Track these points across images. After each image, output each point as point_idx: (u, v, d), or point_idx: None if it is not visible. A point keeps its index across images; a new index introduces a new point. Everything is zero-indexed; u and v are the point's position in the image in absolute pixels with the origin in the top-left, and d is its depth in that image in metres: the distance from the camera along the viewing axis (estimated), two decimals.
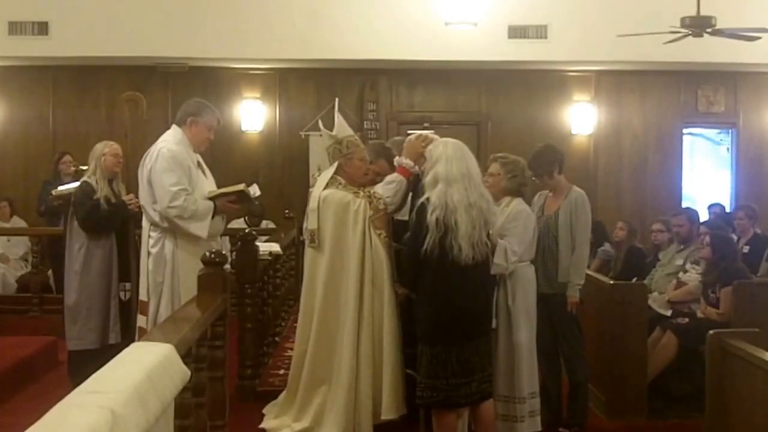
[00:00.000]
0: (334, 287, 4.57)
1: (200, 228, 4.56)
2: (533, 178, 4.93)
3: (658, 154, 10.37)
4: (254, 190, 4.82)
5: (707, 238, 5.97)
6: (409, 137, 4.86)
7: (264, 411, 4.94)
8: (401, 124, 10.18)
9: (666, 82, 10.31)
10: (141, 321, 4.65)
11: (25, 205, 9.40)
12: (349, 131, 4.87)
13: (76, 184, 5.85)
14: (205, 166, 4.83)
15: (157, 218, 4.58)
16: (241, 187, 4.77)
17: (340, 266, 4.57)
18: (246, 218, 9.21)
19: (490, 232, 4.22)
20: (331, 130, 4.85)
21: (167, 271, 4.58)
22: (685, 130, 10.52)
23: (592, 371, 5.20)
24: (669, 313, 6.05)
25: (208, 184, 4.79)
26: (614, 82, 10.30)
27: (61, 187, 6.46)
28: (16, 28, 9.20)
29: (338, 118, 4.97)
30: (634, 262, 7.27)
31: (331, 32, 9.29)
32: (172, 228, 4.57)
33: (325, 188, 4.64)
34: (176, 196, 4.49)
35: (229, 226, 7.72)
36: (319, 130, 4.97)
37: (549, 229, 4.91)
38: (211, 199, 4.66)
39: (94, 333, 5.50)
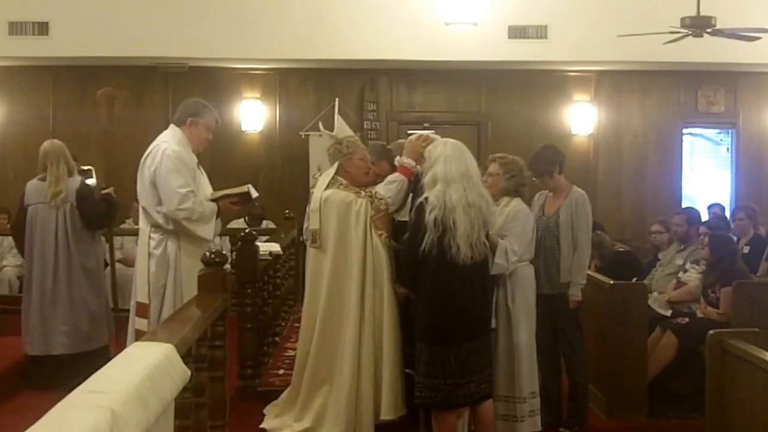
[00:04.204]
0: (337, 288, 4.57)
1: (207, 230, 4.54)
2: (534, 179, 4.93)
3: (658, 154, 10.36)
4: (252, 192, 4.81)
5: (706, 239, 5.97)
6: (410, 137, 4.87)
7: (265, 411, 4.94)
8: (401, 124, 10.18)
9: (666, 82, 10.31)
10: (140, 324, 4.60)
11: None
12: (349, 131, 4.88)
13: (91, 181, 6.19)
14: (201, 167, 4.80)
15: (161, 220, 4.53)
16: (245, 188, 4.76)
17: (343, 267, 4.57)
18: (246, 218, 9.22)
19: (490, 232, 4.22)
20: (331, 131, 4.85)
21: (170, 273, 4.54)
22: (685, 130, 10.51)
23: (592, 371, 5.20)
24: (669, 313, 6.04)
25: (207, 186, 4.78)
26: (614, 82, 10.29)
27: None
28: (16, 28, 9.19)
29: (338, 118, 4.98)
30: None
31: (331, 32, 9.29)
32: (177, 229, 4.53)
33: (326, 189, 4.64)
34: (185, 199, 4.45)
35: (229, 226, 7.77)
36: (320, 130, 4.98)
37: (550, 230, 4.91)
38: (214, 200, 4.65)
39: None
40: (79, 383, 2.09)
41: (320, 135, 4.96)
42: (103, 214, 5.84)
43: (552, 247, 4.89)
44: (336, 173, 4.70)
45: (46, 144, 5.95)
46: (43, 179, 5.82)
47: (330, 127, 4.97)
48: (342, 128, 4.85)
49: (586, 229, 4.95)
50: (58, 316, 5.69)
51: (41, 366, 5.75)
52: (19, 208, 6.02)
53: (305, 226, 4.84)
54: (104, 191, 5.92)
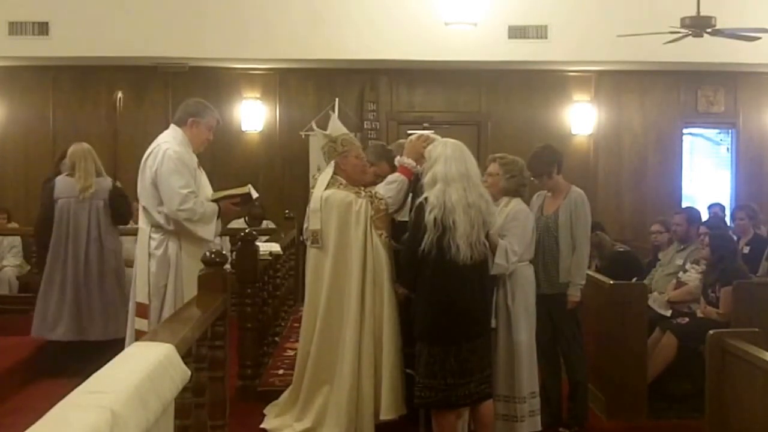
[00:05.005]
0: (337, 288, 4.57)
1: (208, 231, 4.54)
2: (532, 179, 4.93)
3: (658, 154, 10.37)
4: (253, 192, 4.81)
5: (706, 239, 5.96)
6: (410, 137, 4.87)
7: (265, 411, 4.95)
8: (401, 124, 10.18)
9: (666, 82, 10.31)
10: (140, 324, 4.59)
11: (25, 205, 9.40)
12: (343, 129, 4.88)
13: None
14: (201, 168, 4.79)
15: (162, 220, 4.52)
16: (246, 189, 4.75)
17: (344, 267, 4.56)
18: (246, 218, 9.22)
19: (490, 232, 4.22)
20: (326, 130, 4.85)
21: (171, 274, 4.53)
22: (685, 130, 10.51)
23: (592, 371, 5.20)
24: (669, 313, 6.04)
25: (207, 186, 4.77)
26: (614, 82, 10.29)
27: None
28: (16, 28, 9.20)
29: (332, 117, 4.99)
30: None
31: (331, 32, 9.29)
32: (178, 230, 4.52)
33: (326, 189, 4.64)
34: (186, 199, 4.44)
35: (229, 226, 7.77)
36: (320, 129, 4.97)
37: (549, 230, 4.91)
38: (215, 200, 4.65)
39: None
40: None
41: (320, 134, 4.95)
42: (127, 210, 6.41)
43: (551, 247, 4.89)
44: (334, 173, 4.69)
45: (74, 145, 6.35)
46: (71, 176, 6.19)
47: (327, 127, 4.96)
48: (336, 127, 4.85)
49: (584, 229, 4.95)
50: (93, 306, 6.05)
51: (71, 352, 5.94)
52: (45, 203, 6.28)
53: (305, 226, 4.83)
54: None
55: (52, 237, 6.11)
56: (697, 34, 7.59)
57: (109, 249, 6.16)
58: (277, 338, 6.88)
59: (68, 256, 6.07)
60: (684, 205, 9.61)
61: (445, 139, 4.34)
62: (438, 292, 4.03)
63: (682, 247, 6.60)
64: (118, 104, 6.37)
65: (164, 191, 4.48)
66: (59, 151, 8.76)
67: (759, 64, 9.50)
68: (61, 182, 6.23)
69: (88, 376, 2.14)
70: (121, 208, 6.27)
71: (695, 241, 6.41)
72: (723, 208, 9.21)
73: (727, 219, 8.60)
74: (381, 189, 4.61)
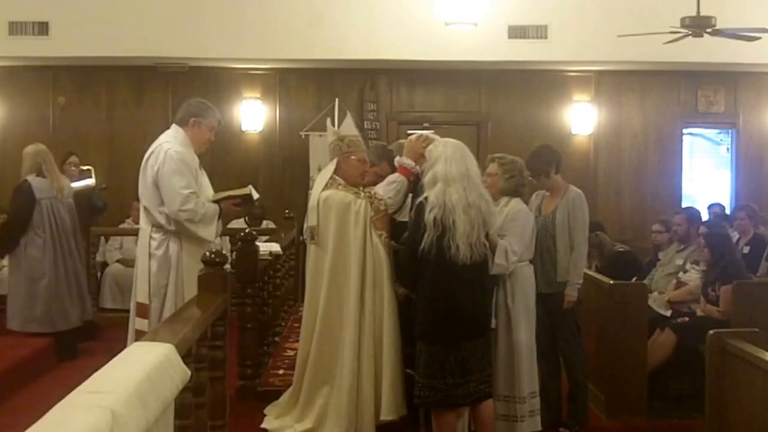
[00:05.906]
0: (336, 288, 4.57)
1: (208, 231, 4.54)
2: (530, 178, 4.93)
3: (658, 154, 10.36)
4: (253, 193, 4.81)
5: (702, 240, 5.97)
6: (410, 137, 4.87)
7: (265, 411, 4.95)
8: (401, 124, 10.17)
9: (666, 82, 10.30)
10: (140, 324, 4.59)
11: None
12: (354, 131, 4.90)
13: (90, 181, 7.24)
14: (202, 168, 4.79)
15: (163, 220, 4.52)
16: (247, 190, 4.75)
17: (343, 267, 4.56)
18: (246, 218, 9.22)
19: (490, 232, 4.22)
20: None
21: (172, 274, 4.53)
22: (685, 130, 10.51)
23: (592, 371, 5.20)
24: (669, 313, 6.04)
25: (208, 187, 4.77)
26: (614, 82, 10.29)
27: (74, 184, 6.83)
28: (16, 28, 9.19)
29: (347, 116, 5.00)
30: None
31: (331, 32, 9.29)
32: (179, 230, 4.52)
33: (324, 189, 4.64)
34: (187, 200, 4.44)
35: (229, 226, 7.78)
36: (320, 129, 5.00)
37: (547, 229, 4.91)
38: (216, 201, 4.64)
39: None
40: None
41: (320, 135, 4.97)
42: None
43: (548, 246, 4.89)
44: (334, 172, 4.69)
45: (33, 146, 6.68)
46: (41, 176, 6.47)
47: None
48: (348, 127, 4.88)
49: (582, 228, 4.95)
50: (86, 293, 6.77)
51: (75, 336, 6.57)
52: (24, 201, 6.43)
53: (305, 225, 4.84)
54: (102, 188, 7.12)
55: (44, 236, 6.41)
56: (697, 34, 7.59)
57: (82, 242, 6.89)
58: (277, 338, 6.89)
59: (65, 253, 6.48)
60: (684, 205, 9.61)
61: (445, 139, 4.34)
62: (438, 292, 4.03)
63: (682, 247, 6.60)
64: (58, 110, 6.85)
65: (165, 192, 4.48)
66: (60, 152, 8.78)
67: (759, 64, 9.50)
68: (38, 183, 6.46)
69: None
70: (85, 209, 6.98)
71: (695, 241, 6.42)
72: (723, 207, 9.21)
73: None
74: (380, 189, 4.61)
